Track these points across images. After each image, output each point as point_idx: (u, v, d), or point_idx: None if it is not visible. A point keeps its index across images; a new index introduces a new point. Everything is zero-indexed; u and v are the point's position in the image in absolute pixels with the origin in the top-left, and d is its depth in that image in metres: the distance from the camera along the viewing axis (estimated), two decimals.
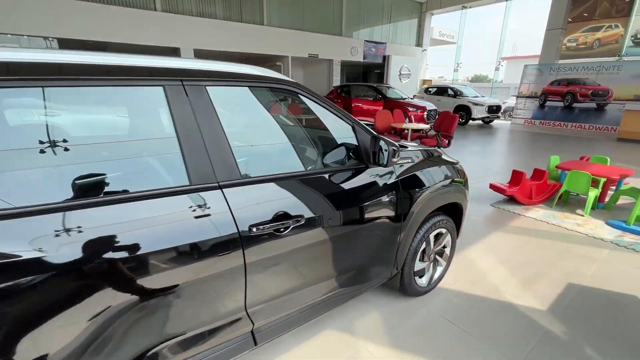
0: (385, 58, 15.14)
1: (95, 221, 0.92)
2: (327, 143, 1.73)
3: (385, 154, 1.52)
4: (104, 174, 1.07)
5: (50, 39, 8.06)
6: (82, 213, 0.91)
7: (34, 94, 0.96)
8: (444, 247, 2.28)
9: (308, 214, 1.36)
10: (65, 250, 0.85)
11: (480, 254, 2.84)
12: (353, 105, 9.84)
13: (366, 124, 1.71)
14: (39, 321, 0.83)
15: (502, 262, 2.71)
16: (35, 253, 0.82)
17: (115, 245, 0.93)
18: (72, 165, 1.05)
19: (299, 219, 1.31)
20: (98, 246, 0.91)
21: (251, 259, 1.20)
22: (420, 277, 2.18)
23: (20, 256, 0.80)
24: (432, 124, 8.29)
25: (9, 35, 7.57)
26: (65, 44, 8.58)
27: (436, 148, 2.28)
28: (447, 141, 5.91)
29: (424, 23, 16.59)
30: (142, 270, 0.98)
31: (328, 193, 1.48)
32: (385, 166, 1.56)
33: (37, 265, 0.82)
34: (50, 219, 0.86)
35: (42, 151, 0.98)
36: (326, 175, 1.52)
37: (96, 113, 1.24)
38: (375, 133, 1.62)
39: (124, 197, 1.00)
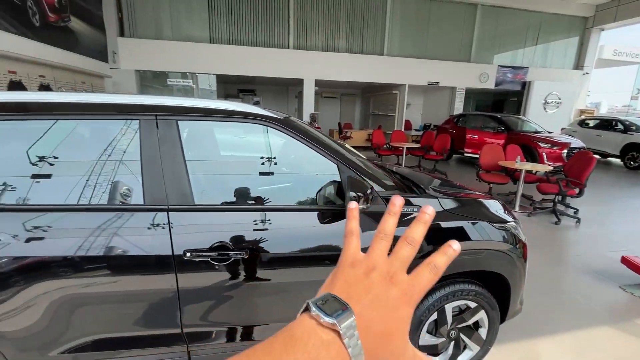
0: (525, 84, 13.01)
1: None
2: (319, 179, 1.64)
3: (347, 198, 1.33)
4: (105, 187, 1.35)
5: (212, 74, 10.51)
6: None
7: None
8: (478, 326, 1.78)
9: (256, 249, 1.33)
10: None
11: (557, 348, 2.06)
12: (467, 136, 8.79)
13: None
14: None
15: None
16: None
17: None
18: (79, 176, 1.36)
19: (243, 253, 1.31)
20: None
21: (184, 282, 1.27)
22: (433, 354, 1.75)
23: None
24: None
25: (187, 73, 10.32)
26: (223, 78, 11.03)
27: (476, 198, 1.82)
28: (577, 190, 4.55)
29: (587, 41, 13.51)
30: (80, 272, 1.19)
31: (294, 231, 1.41)
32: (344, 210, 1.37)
33: None
34: None
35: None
36: (298, 213, 1.46)
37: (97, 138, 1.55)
38: (354, 173, 1.46)
39: (116, 207, 1.26)
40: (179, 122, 1.36)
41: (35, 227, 1.17)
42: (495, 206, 1.88)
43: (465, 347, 1.80)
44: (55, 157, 1.29)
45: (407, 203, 1.58)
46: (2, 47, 5.07)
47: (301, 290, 1.44)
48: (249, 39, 10.42)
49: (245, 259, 1.32)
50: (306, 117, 10.64)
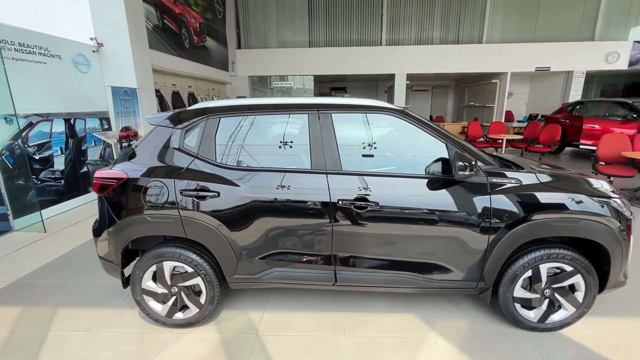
0: None
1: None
2: (432, 155, 2.06)
3: (455, 167, 1.77)
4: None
5: (310, 76, 11.59)
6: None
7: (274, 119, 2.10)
8: (573, 289, 1.99)
9: (384, 202, 1.88)
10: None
11: None
12: (584, 127, 7.78)
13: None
14: None
15: None
16: None
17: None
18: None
19: (375, 204, 1.87)
20: None
21: (336, 220, 1.90)
22: (528, 308, 2.04)
23: None
24: None
25: (288, 76, 11.62)
26: (318, 77, 12.05)
27: (575, 176, 2.01)
28: None
29: None
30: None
31: (410, 193, 1.91)
32: (454, 178, 1.80)
33: None
34: None
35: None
36: (414, 179, 1.94)
37: (288, 126, 2.27)
38: (459, 149, 1.87)
39: (296, 170, 1.96)
40: (332, 114, 2.00)
41: (252, 182, 1.95)
42: (597, 184, 2.04)
43: (560, 307, 2.03)
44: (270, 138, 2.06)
45: (505, 176, 1.92)
46: (170, 66, 6.82)
47: (418, 237, 1.93)
48: (344, 40, 11.12)
49: (377, 209, 1.89)
50: None
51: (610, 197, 1.95)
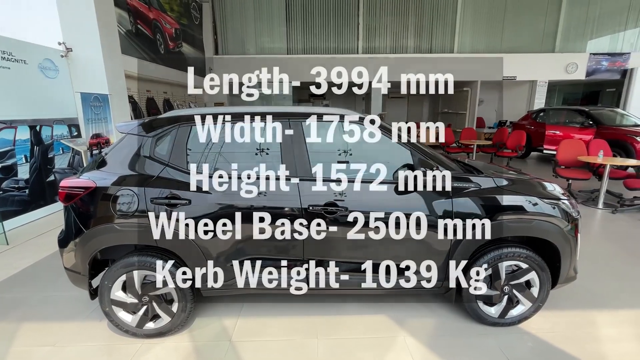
0: (626, 72, 11.48)
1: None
2: (400, 161, 2.16)
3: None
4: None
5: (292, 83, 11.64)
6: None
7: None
8: (529, 285, 2.14)
9: (354, 207, 1.95)
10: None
11: (613, 319, 2.26)
12: (547, 132, 8.28)
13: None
14: None
15: None
16: None
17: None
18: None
19: (344, 209, 1.94)
20: None
21: (307, 226, 1.95)
22: (490, 305, 2.17)
23: None
24: None
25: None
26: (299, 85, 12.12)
27: (529, 180, 2.17)
28: None
29: None
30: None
31: (378, 197, 2.00)
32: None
33: None
34: None
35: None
36: (382, 185, 2.02)
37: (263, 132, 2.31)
38: (422, 156, 1.98)
39: (267, 177, 1.98)
40: (302, 122, 2.07)
41: (226, 189, 1.97)
42: (550, 187, 2.21)
43: (518, 302, 2.17)
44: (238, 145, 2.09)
45: (466, 180, 2.05)
46: (144, 72, 6.69)
47: (386, 240, 2.00)
48: (322, 47, 11.31)
49: (346, 214, 1.96)
50: None
51: (559, 199, 2.12)
